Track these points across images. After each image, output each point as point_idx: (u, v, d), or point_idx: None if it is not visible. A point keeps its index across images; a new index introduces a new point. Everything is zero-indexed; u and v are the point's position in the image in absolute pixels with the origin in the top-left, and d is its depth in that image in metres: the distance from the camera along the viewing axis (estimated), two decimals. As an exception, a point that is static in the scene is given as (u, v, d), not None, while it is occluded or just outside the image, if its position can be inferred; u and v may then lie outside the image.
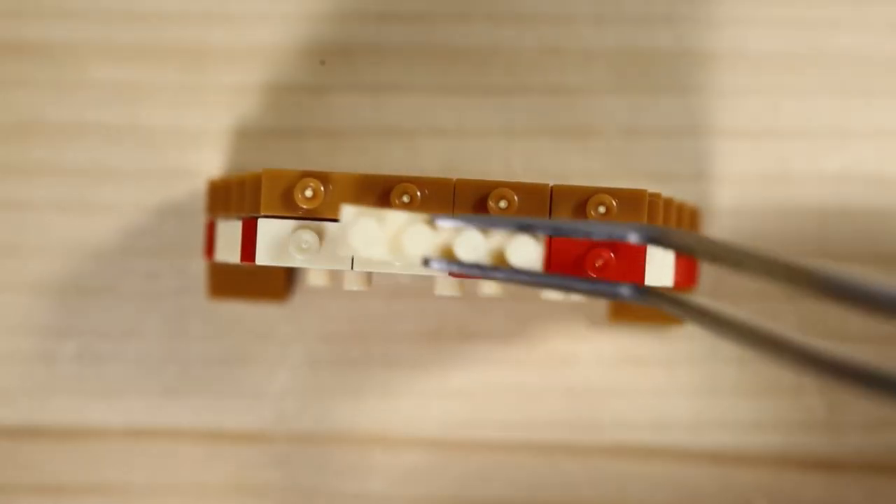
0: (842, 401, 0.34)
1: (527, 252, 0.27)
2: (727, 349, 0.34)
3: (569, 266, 0.28)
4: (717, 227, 0.34)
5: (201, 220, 0.34)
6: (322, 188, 0.29)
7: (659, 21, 0.34)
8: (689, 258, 0.26)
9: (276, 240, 0.29)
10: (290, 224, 0.29)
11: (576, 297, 0.30)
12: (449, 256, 0.27)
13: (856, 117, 0.34)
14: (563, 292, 0.28)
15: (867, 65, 0.34)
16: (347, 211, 0.26)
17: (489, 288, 0.30)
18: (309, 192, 0.29)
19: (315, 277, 0.31)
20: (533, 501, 0.34)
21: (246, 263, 0.29)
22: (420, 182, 0.29)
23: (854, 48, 0.34)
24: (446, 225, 0.27)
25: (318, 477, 0.34)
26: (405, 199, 0.29)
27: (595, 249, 0.28)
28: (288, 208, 0.29)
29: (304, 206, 0.29)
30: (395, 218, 0.27)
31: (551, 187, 0.28)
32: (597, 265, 0.28)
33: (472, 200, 0.29)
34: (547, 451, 0.34)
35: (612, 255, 0.28)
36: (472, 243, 0.27)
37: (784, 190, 0.34)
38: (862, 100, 0.34)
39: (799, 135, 0.34)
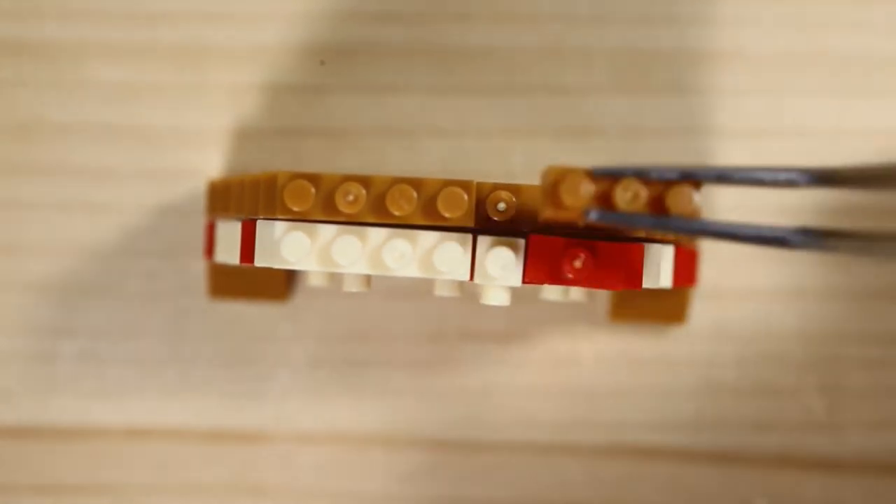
0: (842, 401, 0.34)
1: (505, 259, 0.28)
2: (727, 349, 0.34)
3: (547, 272, 0.28)
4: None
5: (201, 221, 0.34)
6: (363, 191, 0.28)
7: (659, 21, 0.34)
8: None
9: (274, 242, 0.28)
10: (285, 226, 0.28)
11: (575, 297, 0.30)
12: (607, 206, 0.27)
13: (856, 117, 0.34)
14: (725, 242, 0.27)
15: (867, 65, 0.34)
16: (278, 225, 0.28)
17: (488, 298, 0.30)
18: (347, 197, 0.28)
19: (315, 278, 0.31)
20: (533, 501, 0.34)
21: (245, 265, 0.29)
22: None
23: (854, 48, 0.34)
24: (603, 172, 0.27)
25: (318, 477, 0.35)
26: (349, 198, 0.28)
27: (573, 249, 0.28)
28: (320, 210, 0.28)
29: (345, 210, 0.28)
30: (325, 230, 0.28)
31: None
32: (575, 265, 0.28)
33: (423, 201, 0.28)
34: (547, 451, 0.34)
35: (592, 256, 0.28)
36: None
37: (783, 189, 0.34)
38: (862, 100, 0.34)
39: (799, 135, 0.34)
